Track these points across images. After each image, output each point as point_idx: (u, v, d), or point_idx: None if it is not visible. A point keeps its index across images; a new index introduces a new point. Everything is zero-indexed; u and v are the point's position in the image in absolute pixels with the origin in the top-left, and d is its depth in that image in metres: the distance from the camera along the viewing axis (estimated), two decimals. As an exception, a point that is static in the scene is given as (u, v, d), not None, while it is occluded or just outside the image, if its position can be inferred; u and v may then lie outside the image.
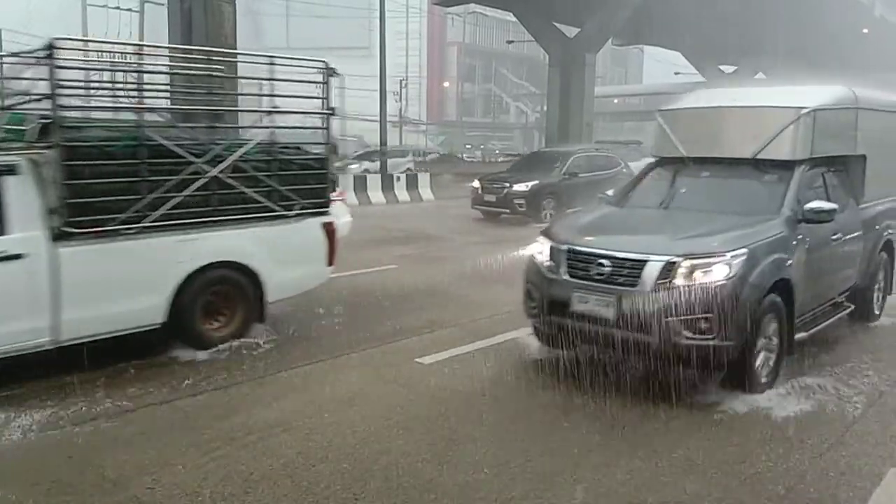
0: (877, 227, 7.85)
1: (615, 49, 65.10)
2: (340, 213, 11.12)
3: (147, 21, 53.39)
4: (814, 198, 6.58)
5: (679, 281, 5.50)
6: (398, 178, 24.87)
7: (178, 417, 5.32)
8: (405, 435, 5.03)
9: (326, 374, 6.28)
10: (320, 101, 7.48)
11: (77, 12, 55.26)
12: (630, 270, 5.67)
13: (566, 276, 6.00)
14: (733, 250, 5.55)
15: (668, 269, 5.52)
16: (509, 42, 62.45)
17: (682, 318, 5.44)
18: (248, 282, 6.89)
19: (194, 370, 6.25)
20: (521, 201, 17.57)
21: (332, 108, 7.47)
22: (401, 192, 23.91)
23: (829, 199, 6.91)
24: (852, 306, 7.50)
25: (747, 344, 5.59)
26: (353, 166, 32.03)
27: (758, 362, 5.78)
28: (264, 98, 7.35)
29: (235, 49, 33.57)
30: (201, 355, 6.53)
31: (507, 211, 17.73)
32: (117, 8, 54.00)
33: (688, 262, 5.52)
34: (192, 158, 6.42)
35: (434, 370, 6.38)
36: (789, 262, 5.98)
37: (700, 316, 5.43)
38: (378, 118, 28.86)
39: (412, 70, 67.62)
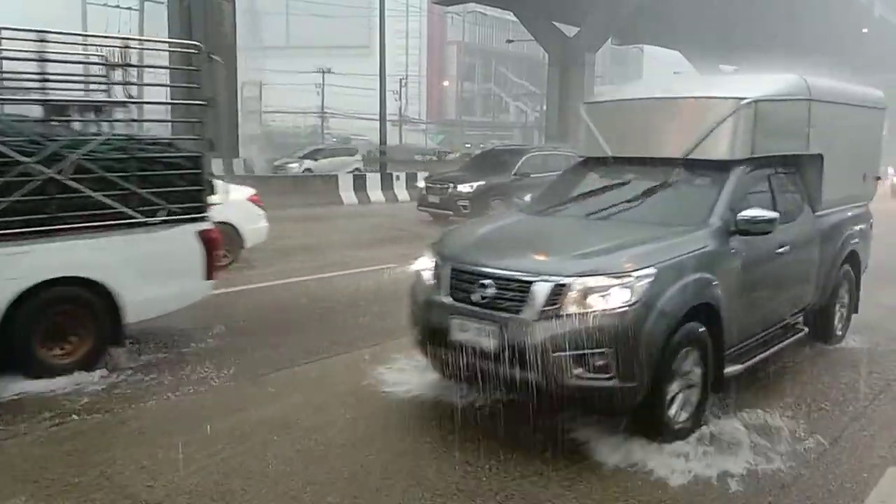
0: (838, 237, 6.73)
1: (615, 49, 63.91)
2: (252, 219, 10.14)
3: (147, 19, 52.80)
4: (756, 205, 5.50)
5: (570, 307, 4.40)
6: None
7: None
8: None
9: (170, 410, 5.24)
10: (194, 90, 6.37)
11: (77, 11, 54.66)
12: (515, 293, 4.57)
13: (448, 299, 4.92)
14: (637, 270, 4.45)
15: (558, 293, 4.43)
16: (509, 41, 61.41)
17: (574, 353, 4.35)
18: (100, 301, 5.84)
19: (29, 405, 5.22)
20: (466, 203, 16.01)
21: (208, 99, 6.38)
22: (374, 193, 22.70)
23: (775, 206, 5.82)
24: (806, 329, 6.39)
25: (656, 384, 4.50)
26: (292, 165, 30.39)
27: (673, 407, 4.69)
28: (133, 88, 6.31)
29: (234, 45, 33.18)
30: (36, 386, 5.49)
31: (451, 213, 16.09)
32: (117, 6, 53.32)
33: (580, 284, 4.42)
34: (19, 157, 5.38)
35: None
36: (715, 282, 4.89)
37: (595, 351, 4.34)
38: (377, 117, 28.23)
39: (412, 69, 66.64)
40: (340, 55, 62.27)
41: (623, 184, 5.91)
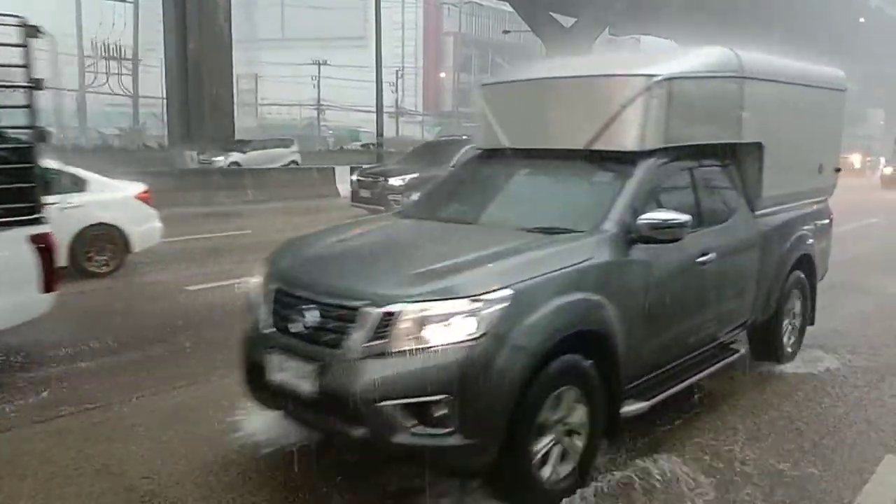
0: (784, 239, 5.64)
1: (612, 39, 62.44)
2: (141, 219, 9.03)
3: (141, 13, 51.75)
4: (671, 204, 4.44)
5: (401, 341, 3.34)
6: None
7: None
8: None
9: None
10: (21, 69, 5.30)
11: (72, 4, 53.64)
12: (338, 324, 3.51)
13: (269, 329, 3.86)
14: (488, 292, 3.38)
15: (386, 323, 3.37)
16: (506, 32, 60.02)
17: (404, 401, 3.30)
18: None
19: None
20: (397, 197, 14.39)
21: (38, 80, 5.31)
22: (343, 186, 21.43)
23: (698, 206, 4.76)
24: (742, 350, 5.30)
25: (517, 437, 3.44)
26: (217, 159, 27.35)
27: (548, 464, 3.63)
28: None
29: (230, 38, 32.03)
30: None
31: (383, 208, 14.26)
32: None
33: (414, 312, 3.34)
34: None
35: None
36: (605, 303, 3.82)
37: (431, 399, 3.29)
38: (374, 109, 27.34)
39: (408, 60, 65.43)
40: (336, 47, 61.04)
41: (515, 181, 4.85)
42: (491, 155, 5.19)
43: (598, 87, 4.65)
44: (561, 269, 3.68)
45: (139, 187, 9.06)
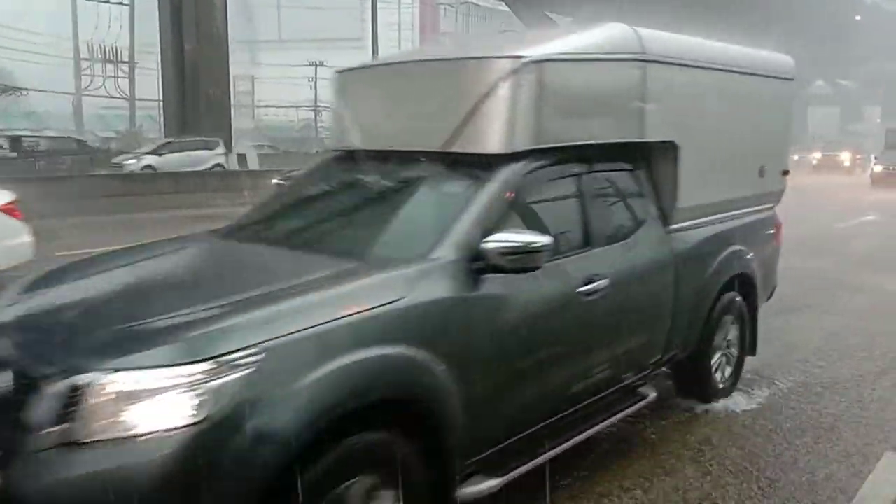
0: (711, 258, 4.58)
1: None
2: (4, 234, 7.86)
3: (137, 15, 50.86)
4: (542, 222, 3.43)
5: (92, 427, 2.30)
6: None
7: None
8: None
9: None
10: None
11: (67, 5, 52.80)
12: (22, 399, 2.48)
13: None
14: (218, 356, 2.34)
15: (74, 401, 2.33)
16: (502, 32, 58.95)
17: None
18: None
19: None
20: None
21: None
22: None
23: (586, 220, 3.72)
24: (652, 395, 4.24)
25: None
26: (129, 162, 24.61)
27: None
28: None
29: (226, 39, 31.01)
30: None
31: None
32: (107, 1, 51.39)
33: (109, 386, 2.31)
34: None
35: None
36: (420, 359, 2.78)
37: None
38: None
39: (405, 61, 64.20)
40: (333, 48, 59.84)
41: (355, 192, 3.82)
42: (344, 158, 4.15)
43: (454, 73, 3.63)
44: (350, 315, 2.63)
45: (4, 197, 7.85)
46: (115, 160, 25.14)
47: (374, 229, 3.39)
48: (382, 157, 3.86)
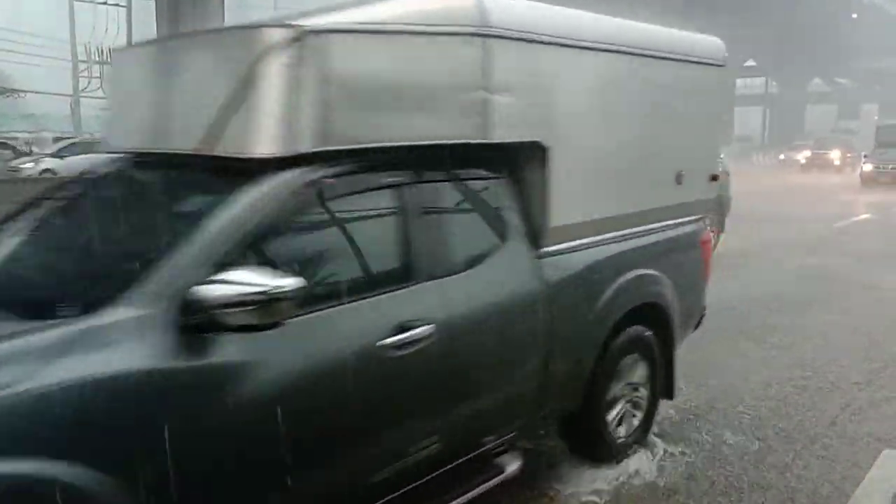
0: (601, 286, 3.54)
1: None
2: None
3: (135, 16, 50.08)
4: (335, 250, 2.46)
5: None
6: None
7: None
8: None
9: None
10: None
11: (64, 7, 52.00)
12: None
13: None
14: None
15: None
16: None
17: None
18: None
19: None
20: None
21: None
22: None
23: (406, 246, 2.74)
24: (513, 467, 3.24)
25: None
26: (27, 166, 21.65)
27: None
28: None
29: None
30: None
31: None
32: (104, 3, 50.66)
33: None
34: None
35: None
36: (68, 475, 1.81)
37: None
38: None
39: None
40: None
41: (90, 209, 2.85)
42: (113, 161, 3.17)
43: (212, 50, 2.65)
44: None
45: None
46: (13, 164, 22.06)
47: (84, 262, 2.43)
48: (138, 162, 2.91)
